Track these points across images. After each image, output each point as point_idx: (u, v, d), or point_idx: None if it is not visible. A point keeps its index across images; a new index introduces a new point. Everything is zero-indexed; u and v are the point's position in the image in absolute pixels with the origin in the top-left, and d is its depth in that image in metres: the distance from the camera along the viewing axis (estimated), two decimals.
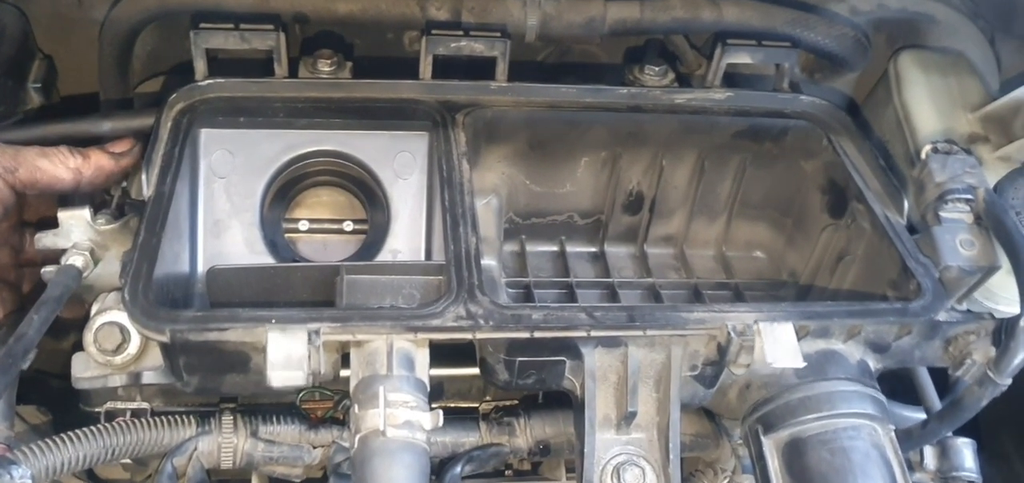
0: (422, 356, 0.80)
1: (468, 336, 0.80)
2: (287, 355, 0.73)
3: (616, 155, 1.09)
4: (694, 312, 0.84)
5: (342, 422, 0.94)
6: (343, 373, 0.82)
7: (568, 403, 0.95)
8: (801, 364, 0.80)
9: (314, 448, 0.91)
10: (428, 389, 0.79)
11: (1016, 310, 1.00)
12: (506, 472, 1.07)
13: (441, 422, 0.76)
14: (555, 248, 1.15)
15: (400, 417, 0.74)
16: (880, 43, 1.24)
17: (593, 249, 1.16)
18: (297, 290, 0.86)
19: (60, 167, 0.89)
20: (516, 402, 1.00)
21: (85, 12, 1.19)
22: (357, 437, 0.75)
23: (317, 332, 0.75)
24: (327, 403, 0.99)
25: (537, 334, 0.81)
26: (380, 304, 0.85)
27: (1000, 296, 0.97)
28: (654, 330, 0.82)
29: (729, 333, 0.81)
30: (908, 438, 0.97)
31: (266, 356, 0.74)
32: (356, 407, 0.76)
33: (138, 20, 1.09)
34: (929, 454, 1.02)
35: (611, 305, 1.02)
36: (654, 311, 0.84)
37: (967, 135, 1.13)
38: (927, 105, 1.16)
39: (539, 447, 0.95)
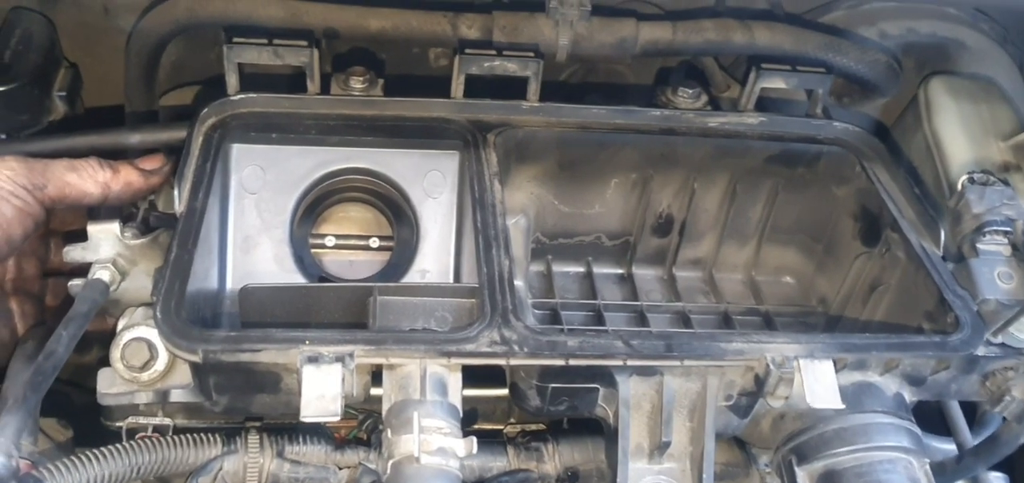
0: (455, 381, 0.79)
1: (502, 362, 0.79)
2: (321, 392, 0.72)
3: (647, 177, 1.08)
4: (732, 343, 0.82)
5: (367, 442, 0.93)
6: (374, 391, 0.81)
7: (597, 429, 0.94)
8: (841, 406, 0.78)
9: (340, 469, 0.90)
10: (461, 414, 0.78)
11: None
12: None
13: (475, 449, 0.75)
14: (582, 269, 1.14)
15: (434, 443, 0.73)
16: (909, 68, 1.24)
17: (620, 271, 1.15)
18: (329, 310, 0.85)
19: (89, 182, 0.89)
20: (544, 427, 0.99)
21: (112, 21, 1.20)
22: (390, 463, 0.74)
23: (351, 355, 0.74)
24: (351, 422, 0.98)
25: (573, 362, 0.80)
26: (412, 326, 0.84)
27: None
28: (691, 361, 0.81)
29: (768, 366, 0.80)
30: (942, 473, 0.96)
31: (300, 383, 0.73)
32: (389, 431, 0.75)
33: (166, 31, 1.08)
34: None
35: (646, 330, 1.01)
36: (691, 340, 0.83)
37: (1000, 164, 1.12)
38: (959, 133, 1.15)
39: (568, 474, 0.94)
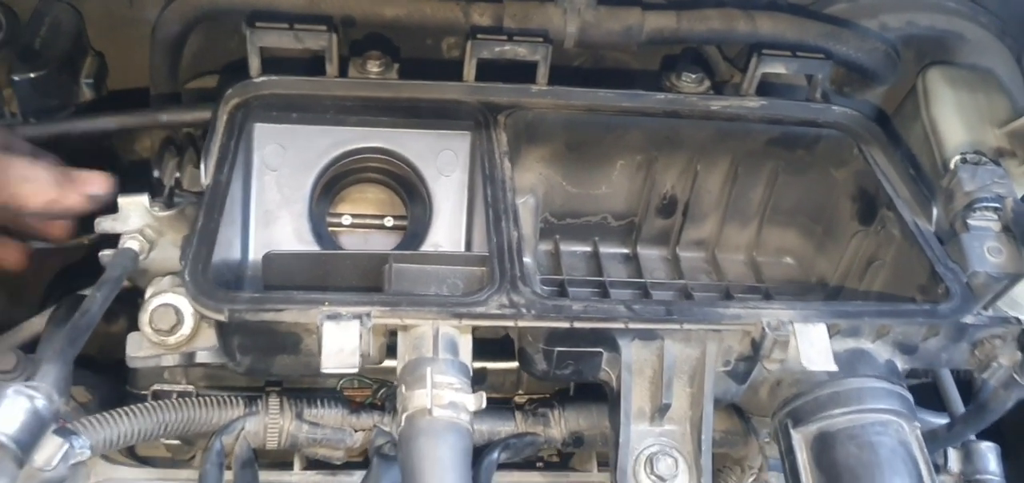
0: (466, 342, 0.83)
1: (510, 324, 0.83)
2: (341, 346, 0.77)
3: (651, 159, 1.12)
4: (730, 308, 0.87)
5: (381, 408, 0.97)
6: (388, 363, 0.85)
7: (601, 397, 0.98)
8: (834, 368, 0.82)
9: (356, 431, 0.94)
10: (471, 374, 0.82)
11: None
12: (537, 464, 1.09)
13: (484, 404, 0.79)
14: (589, 248, 1.18)
15: (445, 398, 0.78)
16: (909, 59, 1.27)
17: (626, 250, 1.19)
18: (347, 276, 0.89)
19: (35, 197, 0.93)
20: (549, 395, 1.04)
21: (136, 12, 1.25)
22: (404, 416, 0.78)
23: (368, 315, 0.79)
24: (366, 390, 1.02)
25: (577, 324, 0.84)
26: (425, 292, 0.88)
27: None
28: (690, 325, 0.85)
29: (764, 329, 0.84)
30: (933, 440, 0.99)
31: (320, 341, 0.77)
32: (403, 388, 0.79)
33: (191, 18, 1.13)
34: (953, 457, 1.04)
35: (648, 300, 1.05)
36: (691, 306, 0.87)
37: (994, 149, 1.16)
38: (955, 119, 1.19)
39: (572, 438, 0.98)
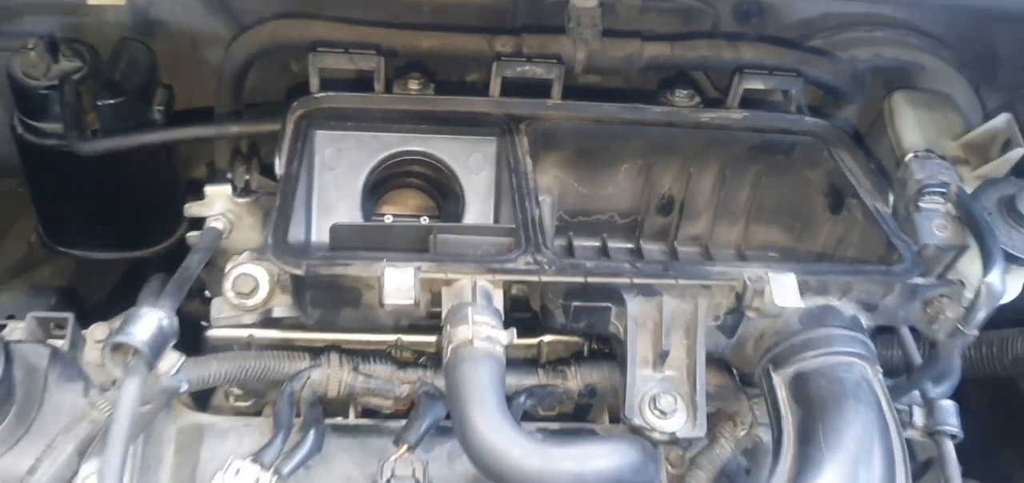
0: (498, 295, 1.00)
1: (535, 278, 1.01)
2: (398, 284, 0.94)
3: (651, 163, 1.30)
4: (717, 267, 1.04)
5: (424, 367, 1.13)
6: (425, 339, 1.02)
7: (611, 357, 1.15)
8: (801, 305, 0.99)
9: (402, 384, 1.11)
10: (503, 318, 0.99)
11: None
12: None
13: (515, 338, 0.96)
14: (598, 243, 1.36)
15: (483, 333, 0.94)
16: (877, 86, 1.46)
17: (630, 245, 1.36)
18: (398, 243, 1.07)
19: None
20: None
21: (198, 53, 1.46)
22: (449, 348, 0.95)
23: (419, 268, 0.97)
24: (409, 358, 1.19)
25: (590, 279, 1.01)
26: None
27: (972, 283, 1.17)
28: (684, 280, 1.03)
29: (745, 282, 1.02)
30: (897, 391, 1.15)
31: (382, 286, 0.95)
32: (448, 328, 0.96)
33: (254, 51, 1.34)
34: (917, 413, 1.20)
35: (648, 261, 1.23)
36: (684, 266, 1.05)
37: (950, 158, 1.34)
38: (915, 131, 1.37)
39: (587, 390, 1.14)
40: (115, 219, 1.53)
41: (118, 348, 0.84)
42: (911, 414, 1.20)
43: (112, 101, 1.38)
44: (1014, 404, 1.75)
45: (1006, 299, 1.24)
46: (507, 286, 1.01)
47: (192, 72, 1.47)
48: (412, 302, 0.94)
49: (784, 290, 1.00)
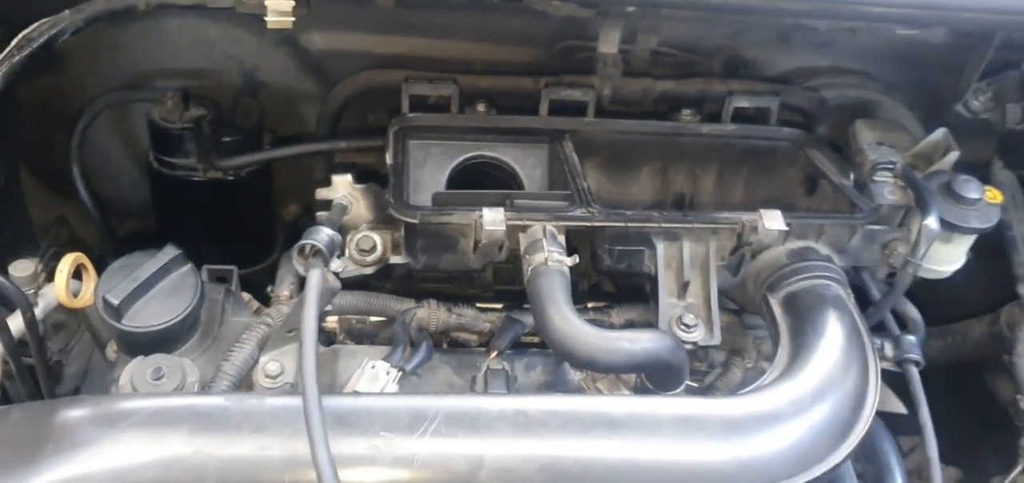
0: (562, 238, 1.34)
1: (588, 223, 1.34)
2: (493, 219, 1.28)
3: (666, 166, 1.65)
4: (722, 214, 1.39)
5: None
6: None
7: (644, 300, 1.48)
8: (785, 228, 1.34)
9: (485, 322, 1.43)
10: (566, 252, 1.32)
11: (945, 269, 1.56)
12: None
13: (577, 261, 1.29)
14: None
15: (555, 256, 1.27)
16: (844, 118, 1.81)
17: None
18: (485, 204, 1.40)
19: None
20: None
21: (293, 107, 1.83)
22: (529, 269, 1.27)
23: (507, 208, 1.31)
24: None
25: (630, 225, 1.35)
26: None
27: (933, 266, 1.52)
28: (699, 224, 1.37)
29: (743, 223, 1.36)
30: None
31: (480, 224, 1.29)
32: (528, 256, 1.29)
33: (351, 93, 1.70)
34: (887, 347, 1.52)
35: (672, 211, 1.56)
36: (698, 214, 1.39)
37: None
38: (872, 139, 1.73)
39: (627, 324, 1.47)
40: (224, 241, 1.86)
41: (302, 249, 1.17)
42: (882, 348, 1.52)
43: (235, 138, 1.75)
44: (986, 398, 2.07)
45: (953, 267, 1.59)
46: (568, 231, 1.35)
47: (289, 123, 1.85)
48: (502, 232, 1.28)
49: (773, 220, 1.35)
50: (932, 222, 1.40)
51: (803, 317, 1.32)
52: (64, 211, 1.85)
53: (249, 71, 1.79)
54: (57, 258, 1.59)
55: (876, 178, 1.51)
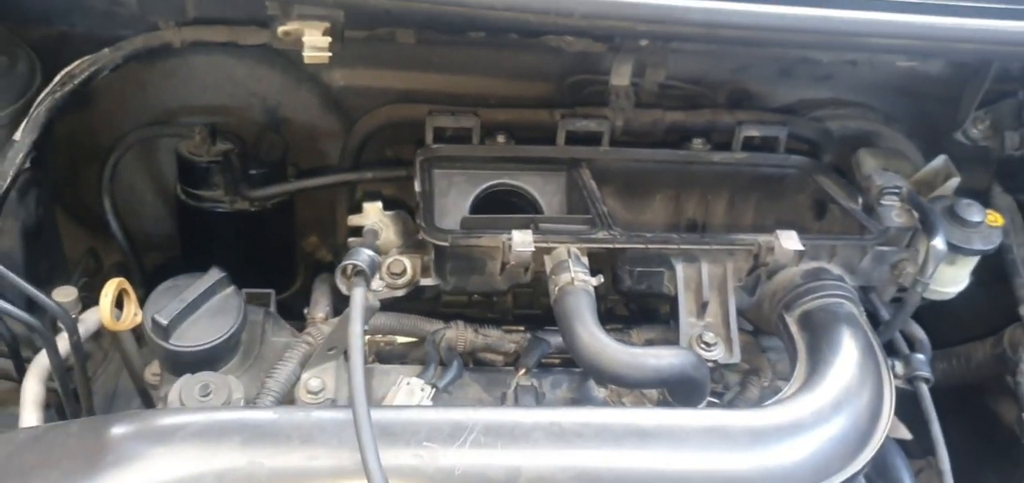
0: (585, 259, 1.39)
1: (610, 246, 1.40)
2: (522, 240, 1.34)
3: (678, 193, 1.72)
4: (739, 236, 1.44)
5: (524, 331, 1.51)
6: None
7: (659, 321, 1.54)
8: (801, 248, 1.39)
9: (510, 343, 1.48)
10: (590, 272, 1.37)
11: (950, 291, 1.62)
12: None
13: (602, 281, 1.35)
14: None
15: (580, 276, 1.33)
16: (846, 147, 1.89)
17: None
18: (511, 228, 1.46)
19: None
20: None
21: (315, 145, 1.89)
22: (557, 289, 1.33)
23: (535, 231, 1.36)
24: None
25: (650, 246, 1.41)
26: None
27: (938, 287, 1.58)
28: (716, 246, 1.43)
29: (759, 244, 1.42)
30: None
31: (509, 246, 1.34)
32: (554, 277, 1.34)
33: (373, 128, 1.77)
34: (898, 365, 1.57)
35: (689, 234, 1.62)
36: (716, 236, 1.45)
37: None
38: (876, 166, 1.80)
39: (647, 344, 1.51)
40: (248, 270, 1.89)
41: (345, 269, 1.22)
42: (893, 366, 1.57)
43: (260, 171, 1.81)
44: (990, 420, 2.13)
45: (957, 288, 1.66)
46: (590, 254, 1.40)
47: (311, 158, 1.91)
48: (530, 253, 1.33)
49: (789, 240, 1.40)
50: (939, 242, 1.46)
51: (819, 334, 1.38)
52: (94, 244, 1.90)
53: (272, 107, 1.85)
54: (88, 289, 1.65)
55: (883, 202, 1.57)
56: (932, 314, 1.67)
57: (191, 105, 1.83)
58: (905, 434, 1.78)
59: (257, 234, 1.88)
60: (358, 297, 1.17)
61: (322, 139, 1.90)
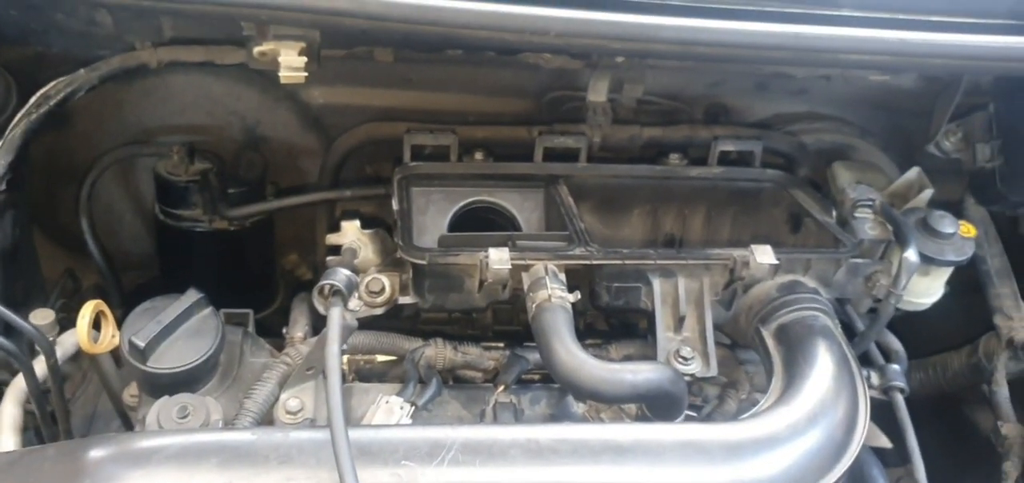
0: (563, 276, 1.40)
1: (587, 262, 1.41)
2: (499, 258, 1.34)
3: (656, 208, 1.73)
4: (715, 251, 1.46)
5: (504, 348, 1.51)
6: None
7: (638, 335, 1.54)
8: (775, 262, 1.41)
9: (489, 360, 1.48)
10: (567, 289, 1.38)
11: (924, 301, 1.64)
12: None
13: (578, 298, 1.35)
14: None
15: (557, 293, 1.34)
16: (822, 160, 1.91)
17: None
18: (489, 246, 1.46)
19: None
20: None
21: (294, 160, 1.89)
22: (534, 306, 1.33)
23: (512, 249, 1.37)
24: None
25: (627, 262, 1.42)
26: None
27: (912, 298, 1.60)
28: (693, 260, 1.44)
29: (734, 259, 1.43)
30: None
31: (486, 264, 1.35)
32: (531, 294, 1.35)
33: (354, 145, 1.77)
34: (873, 376, 1.58)
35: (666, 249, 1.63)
36: (692, 250, 1.46)
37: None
38: (851, 185, 1.82)
39: (625, 359, 1.52)
40: (227, 290, 1.89)
41: (322, 290, 1.23)
42: (868, 377, 1.59)
43: (239, 190, 1.81)
44: (967, 429, 2.15)
45: (931, 299, 1.67)
46: (567, 270, 1.41)
47: (290, 176, 1.91)
48: (507, 271, 1.34)
49: (764, 255, 1.42)
50: (912, 254, 1.48)
51: (794, 347, 1.39)
52: (71, 265, 1.89)
53: (251, 126, 1.85)
54: (65, 310, 1.64)
55: (857, 215, 1.59)
56: (908, 324, 1.69)
57: (169, 124, 1.83)
58: (884, 442, 1.80)
59: (236, 253, 1.88)
60: (335, 317, 1.17)
61: (302, 157, 1.90)
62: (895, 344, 1.62)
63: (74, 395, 1.78)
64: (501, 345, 1.53)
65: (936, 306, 1.69)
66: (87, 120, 1.78)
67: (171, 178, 1.78)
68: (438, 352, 1.45)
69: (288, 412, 1.25)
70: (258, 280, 1.95)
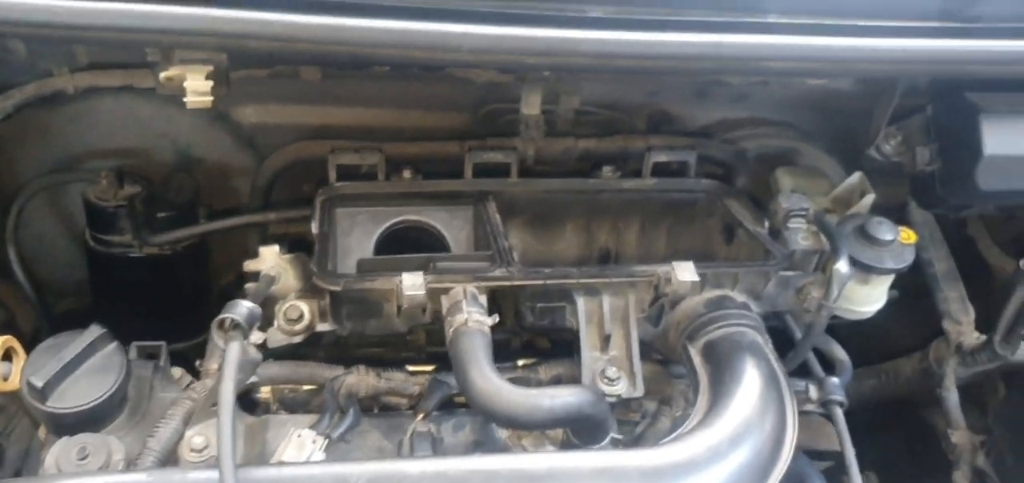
0: (483, 298, 1.37)
1: (508, 283, 1.38)
2: (413, 283, 1.31)
3: (589, 222, 1.70)
4: (639, 268, 1.43)
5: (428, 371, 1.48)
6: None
7: (568, 354, 1.51)
8: (696, 278, 1.38)
9: (414, 385, 1.45)
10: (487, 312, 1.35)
11: (865, 310, 1.61)
12: None
13: (496, 320, 1.32)
14: None
15: (475, 317, 1.30)
16: (765, 167, 1.89)
17: None
18: (408, 269, 1.43)
19: None
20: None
21: (228, 182, 1.86)
22: (451, 330, 1.30)
23: (426, 275, 1.34)
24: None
25: (548, 282, 1.39)
26: None
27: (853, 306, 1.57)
28: (616, 278, 1.41)
29: (658, 275, 1.40)
30: (788, 364, 1.52)
31: (401, 290, 1.32)
32: (449, 318, 1.32)
33: (281, 166, 1.74)
34: (812, 389, 1.55)
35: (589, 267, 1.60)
36: (616, 268, 1.43)
37: (822, 209, 1.75)
38: (792, 192, 1.79)
39: (554, 380, 1.49)
40: (161, 315, 1.87)
41: (221, 323, 1.19)
42: (806, 390, 1.56)
43: (169, 214, 1.77)
44: (924, 431, 2.12)
45: (874, 307, 1.64)
46: (489, 291, 1.38)
47: (224, 197, 1.87)
48: (423, 296, 1.31)
49: (684, 271, 1.39)
50: (842, 265, 1.45)
51: (721, 365, 1.36)
52: (1, 295, 1.86)
53: (183, 148, 1.82)
54: None
55: (790, 225, 1.56)
56: (859, 331, 1.66)
57: (98, 149, 1.80)
58: (835, 446, 1.76)
59: (169, 278, 1.84)
60: (232, 353, 1.14)
61: (235, 178, 1.87)
62: (840, 353, 1.59)
63: (8, 428, 1.75)
64: (429, 369, 1.50)
65: (888, 310, 1.65)
66: (11, 148, 1.74)
67: (100, 204, 1.74)
68: (360, 379, 1.42)
69: (193, 450, 1.22)
70: (193, 304, 1.92)
